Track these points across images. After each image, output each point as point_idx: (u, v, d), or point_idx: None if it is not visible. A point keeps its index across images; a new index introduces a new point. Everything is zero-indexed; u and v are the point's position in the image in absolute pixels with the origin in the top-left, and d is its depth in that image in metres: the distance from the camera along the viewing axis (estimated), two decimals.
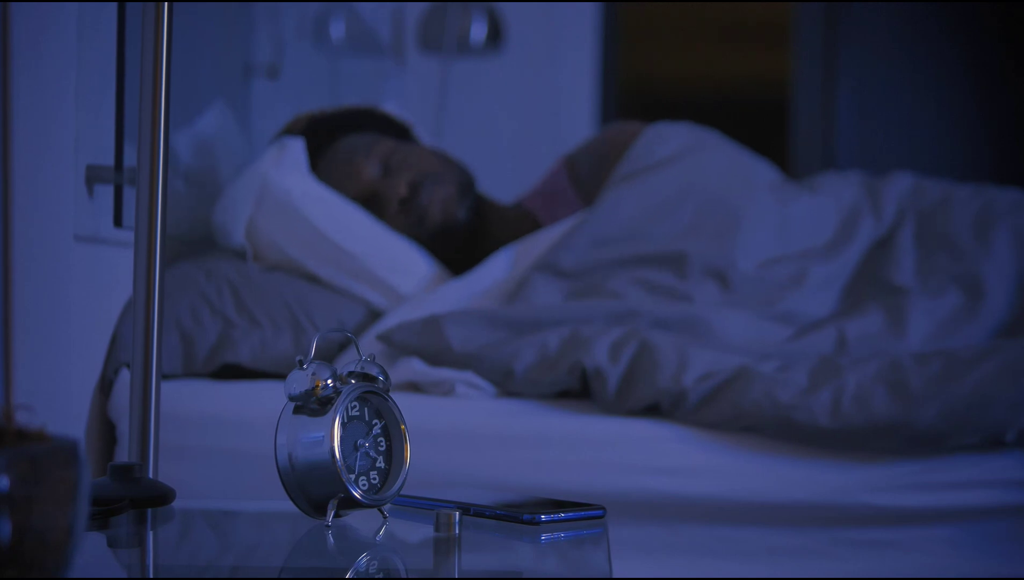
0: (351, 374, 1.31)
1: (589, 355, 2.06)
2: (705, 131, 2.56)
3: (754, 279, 2.31)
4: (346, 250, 2.32)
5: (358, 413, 1.30)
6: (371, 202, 2.42)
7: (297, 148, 2.40)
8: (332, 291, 2.32)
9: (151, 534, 1.32)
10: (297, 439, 1.27)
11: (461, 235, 2.44)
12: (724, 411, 2.00)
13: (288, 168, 2.36)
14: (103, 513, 1.32)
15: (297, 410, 1.28)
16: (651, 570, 1.98)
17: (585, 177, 2.51)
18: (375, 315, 2.33)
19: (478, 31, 3.55)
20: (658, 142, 2.48)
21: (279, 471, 1.28)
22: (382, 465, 1.30)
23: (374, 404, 1.31)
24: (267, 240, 2.32)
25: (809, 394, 1.99)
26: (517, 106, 4.19)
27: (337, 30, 3.30)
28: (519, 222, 2.52)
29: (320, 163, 2.44)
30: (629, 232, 2.35)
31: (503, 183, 3.61)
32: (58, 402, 1.73)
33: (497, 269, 2.36)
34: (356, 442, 1.29)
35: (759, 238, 2.35)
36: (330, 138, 2.47)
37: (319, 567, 1.21)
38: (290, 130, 2.50)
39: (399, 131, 2.57)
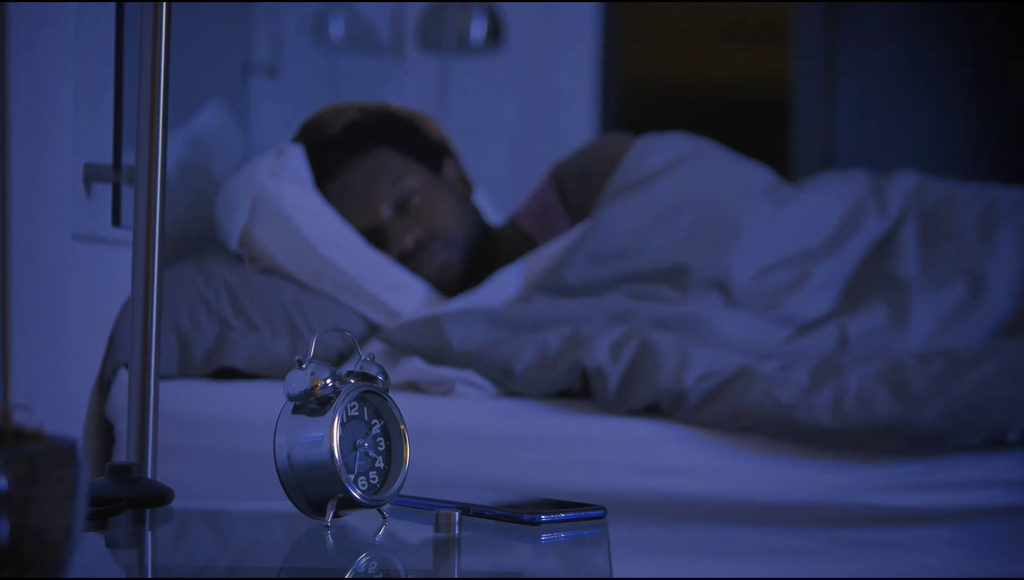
0: (350, 374, 1.30)
1: (589, 354, 2.05)
2: (696, 139, 2.55)
3: (755, 288, 2.31)
4: (340, 267, 2.31)
5: (357, 413, 1.29)
6: (373, 234, 2.39)
7: (296, 156, 2.37)
8: (330, 298, 2.31)
9: (149, 534, 1.31)
10: (296, 439, 1.27)
11: (453, 288, 2.43)
12: (725, 411, 2.00)
13: (285, 177, 2.34)
14: (101, 513, 1.32)
15: (296, 410, 1.28)
16: (651, 570, 1.97)
17: (571, 193, 2.50)
18: (374, 329, 2.32)
19: (478, 30, 3.55)
20: (649, 153, 2.47)
21: (278, 471, 1.27)
22: (381, 465, 1.30)
23: (373, 404, 1.30)
24: (262, 249, 2.31)
25: (810, 394, 1.98)
26: (517, 105, 4.18)
27: (336, 29, 3.30)
28: (515, 241, 2.51)
29: (338, 177, 2.40)
30: (628, 246, 2.34)
31: (503, 182, 3.61)
32: (56, 402, 1.72)
33: (507, 286, 2.34)
34: (355, 442, 1.28)
35: (758, 245, 2.35)
36: (359, 148, 2.43)
37: (318, 567, 1.20)
38: (328, 121, 2.45)
39: (437, 150, 2.51)
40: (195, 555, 1.27)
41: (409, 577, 1.17)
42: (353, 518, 1.31)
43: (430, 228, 2.41)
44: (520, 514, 1.31)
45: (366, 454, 1.29)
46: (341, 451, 1.26)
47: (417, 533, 1.29)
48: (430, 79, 3.80)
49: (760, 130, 4.52)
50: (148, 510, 1.37)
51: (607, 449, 2.01)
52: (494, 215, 2.78)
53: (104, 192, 1.92)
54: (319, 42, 3.27)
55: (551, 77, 4.21)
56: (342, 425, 1.27)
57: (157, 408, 1.55)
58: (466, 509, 1.33)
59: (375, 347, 2.23)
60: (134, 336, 1.54)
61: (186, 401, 2.05)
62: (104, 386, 2.03)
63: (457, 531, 1.22)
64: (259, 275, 2.28)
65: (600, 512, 1.35)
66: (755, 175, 2.49)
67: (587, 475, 1.98)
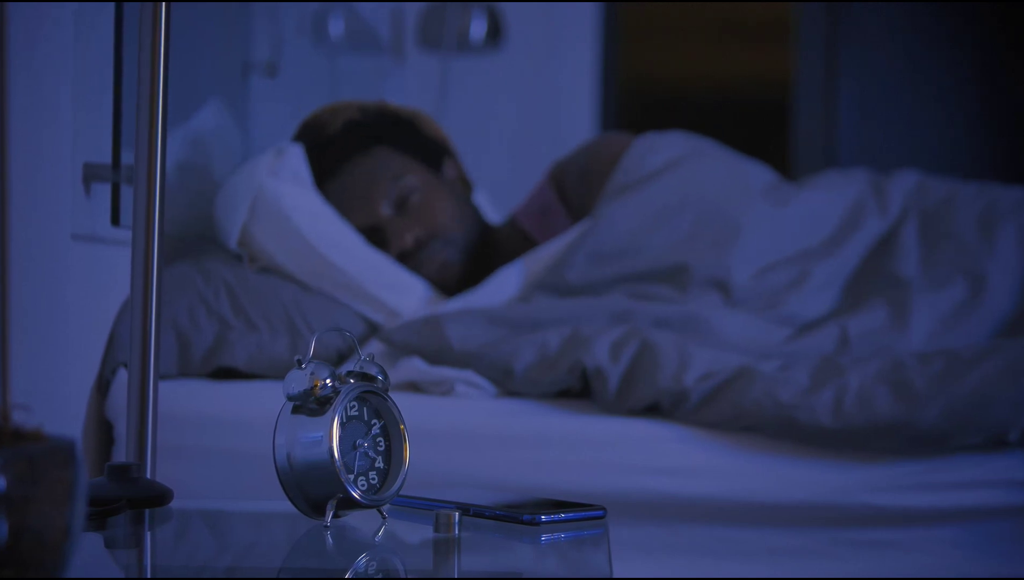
0: (350, 374, 1.30)
1: (589, 354, 2.05)
2: (696, 138, 2.55)
3: (755, 287, 2.31)
4: (339, 267, 2.30)
5: (357, 413, 1.29)
6: (373, 233, 2.39)
7: (296, 155, 2.37)
8: (329, 298, 2.31)
9: (148, 534, 1.31)
10: (296, 439, 1.27)
11: (452, 288, 2.43)
12: (725, 411, 1.99)
13: (284, 177, 2.34)
14: (100, 513, 1.32)
15: (296, 410, 1.28)
16: (651, 570, 1.97)
17: (571, 192, 2.50)
18: (373, 328, 2.32)
19: (478, 29, 3.55)
20: (650, 152, 2.46)
21: (277, 471, 1.27)
22: (381, 465, 1.30)
23: (373, 404, 1.30)
24: (261, 249, 2.31)
25: (811, 394, 1.98)
26: (517, 105, 4.18)
27: (336, 28, 3.29)
28: (514, 241, 2.50)
29: (337, 176, 2.40)
30: (628, 246, 2.34)
31: (503, 182, 3.61)
32: (55, 402, 1.72)
33: (507, 286, 2.34)
34: (355, 442, 1.28)
35: (758, 245, 2.35)
36: (359, 147, 2.42)
37: (318, 568, 1.20)
38: (327, 120, 2.45)
39: (436, 149, 2.51)
40: (194, 555, 1.27)
41: (409, 577, 1.17)
42: (353, 518, 1.30)
43: (430, 227, 2.41)
44: (520, 514, 1.31)
45: (366, 454, 1.29)
46: (341, 451, 1.26)
47: (417, 533, 1.29)
48: (430, 79, 3.79)
49: (760, 130, 4.52)
50: (147, 510, 1.37)
51: (607, 449, 2.01)
52: (494, 215, 2.78)
53: (103, 192, 1.92)
54: (319, 42, 3.27)
55: (551, 77, 4.21)
56: (342, 425, 1.27)
57: (156, 408, 1.54)
58: (466, 509, 1.33)
59: (375, 347, 2.23)
60: (133, 336, 1.54)
61: (185, 401, 2.05)
62: (103, 386, 2.03)
63: (457, 531, 1.22)
64: (258, 275, 2.28)
65: (600, 512, 1.34)
66: (755, 174, 2.48)
67: (587, 475, 1.98)
